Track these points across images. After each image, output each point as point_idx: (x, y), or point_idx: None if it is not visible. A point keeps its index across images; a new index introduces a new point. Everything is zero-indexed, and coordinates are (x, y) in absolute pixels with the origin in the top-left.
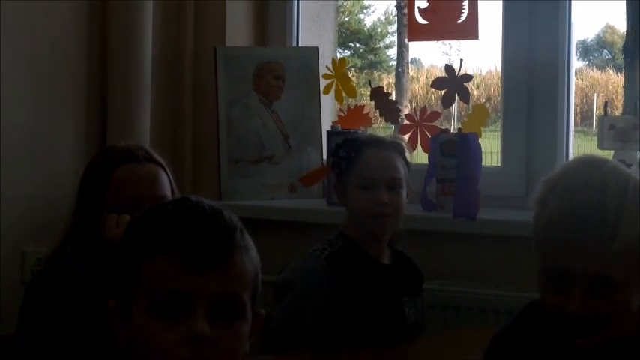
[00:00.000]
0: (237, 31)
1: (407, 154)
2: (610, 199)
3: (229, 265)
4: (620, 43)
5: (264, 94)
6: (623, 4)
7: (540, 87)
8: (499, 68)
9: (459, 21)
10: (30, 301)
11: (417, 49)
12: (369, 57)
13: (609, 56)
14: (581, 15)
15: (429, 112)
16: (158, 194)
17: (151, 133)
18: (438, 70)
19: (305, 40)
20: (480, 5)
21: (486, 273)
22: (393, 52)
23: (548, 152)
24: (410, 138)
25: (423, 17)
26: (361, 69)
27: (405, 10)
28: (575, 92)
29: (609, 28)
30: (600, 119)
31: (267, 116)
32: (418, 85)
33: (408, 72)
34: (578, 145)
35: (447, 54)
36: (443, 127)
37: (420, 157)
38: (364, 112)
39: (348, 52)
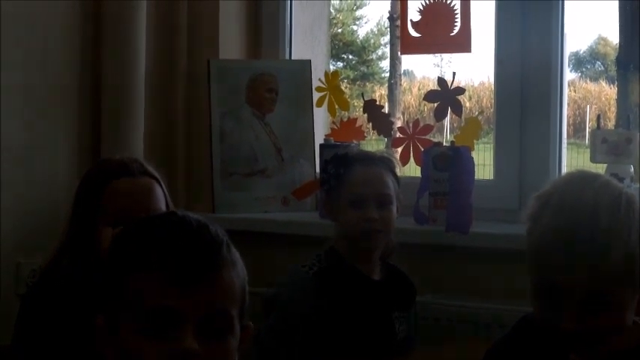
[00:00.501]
0: (231, 43)
1: (397, 169)
2: (602, 214)
3: (216, 281)
4: (613, 54)
5: (257, 107)
6: (616, 16)
7: (533, 99)
8: (492, 80)
9: (452, 34)
10: (25, 312)
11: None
12: (362, 68)
13: (602, 68)
14: (574, 27)
15: (421, 125)
16: (152, 207)
17: (144, 146)
18: (431, 81)
19: (298, 53)
20: (473, 17)
21: (479, 286)
22: (385, 64)
23: (540, 165)
24: (402, 151)
25: (415, 30)
26: (354, 80)
27: (398, 22)
28: (568, 104)
29: (602, 40)
30: (593, 132)
31: (260, 129)
32: (411, 96)
33: (401, 84)
34: (571, 157)
35: (439, 65)
36: (435, 140)
37: (412, 170)
38: (357, 125)
39: (340, 64)
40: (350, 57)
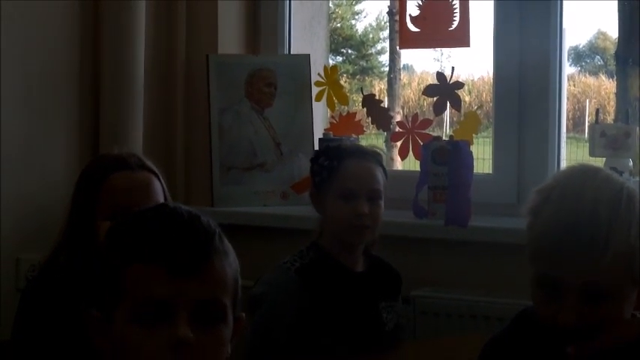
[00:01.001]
0: (230, 38)
1: (385, 164)
2: (603, 208)
3: (209, 270)
4: (612, 49)
5: (256, 102)
6: (616, 10)
7: (532, 93)
8: (491, 74)
9: (451, 28)
10: (25, 307)
11: (409, 56)
12: (361, 63)
13: (601, 62)
14: (574, 21)
15: (420, 119)
16: (151, 201)
17: (143, 141)
18: (430, 76)
19: (297, 47)
20: (472, 12)
21: (477, 280)
22: (384, 58)
23: (539, 159)
24: (401, 145)
25: (414, 25)
26: (353, 75)
27: (397, 17)
28: (568, 98)
29: (601, 34)
30: (592, 126)
31: (259, 123)
32: (410, 91)
33: (400, 78)
34: (570, 152)
35: (439, 60)
36: (435, 134)
37: (411, 164)
38: (356, 119)
39: (339, 58)
40: (349, 51)
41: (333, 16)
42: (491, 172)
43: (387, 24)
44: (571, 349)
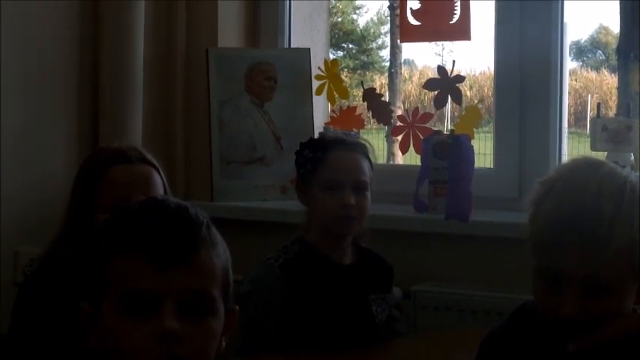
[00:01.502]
0: (229, 32)
1: (371, 155)
2: (606, 202)
3: (195, 261)
4: (614, 43)
5: (256, 95)
6: (617, 4)
7: (533, 88)
8: (492, 69)
9: (451, 22)
10: (23, 301)
11: (410, 50)
12: (362, 58)
13: (603, 57)
14: (575, 15)
15: (421, 113)
16: (151, 195)
17: (142, 134)
18: (431, 70)
19: (297, 41)
20: (473, 6)
21: (478, 274)
22: (385, 53)
23: (541, 154)
24: (402, 139)
25: (415, 18)
26: (354, 70)
27: (398, 11)
28: (569, 93)
29: (603, 29)
30: (593, 120)
31: (259, 117)
32: (411, 85)
33: (401, 73)
34: (572, 147)
35: (440, 55)
36: (436, 129)
37: (412, 158)
38: (356, 113)
39: (340, 53)
40: (350, 46)
41: (334, 10)
42: (492, 166)
43: (388, 18)
44: (572, 346)
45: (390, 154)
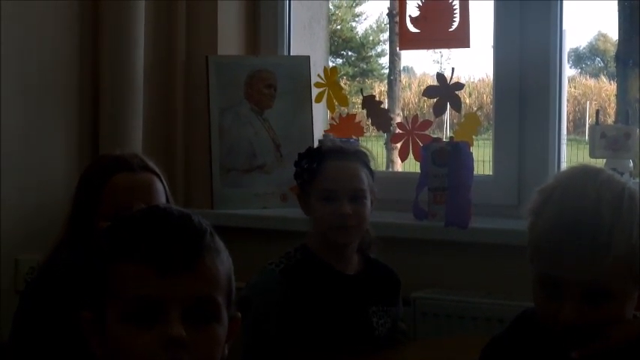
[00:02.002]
0: (229, 39)
1: (371, 163)
2: (605, 209)
3: (200, 267)
4: (612, 50)
5: (255, 103)
6: (616, 11)
7: (532, 95)
8: (491, 76)
9: (451, 29)
10: (24, 309)
11: (409, 57)
12: (361, 65)
13: (602, 64)
14: (574, 23)
15: (420, 120)
16: (153, 202)
17: (143, 142)
18: (430, 78)
19: (297, 49)
20: (472, 13)
21: (478, 281)
22: (385, 61)
23: (540, 161)
24: (401, 146)
25: (414, 25)
26: (353, 77)
27: (397, 19)
28: (568, 100)
29: (602, 36)
30: (592, 128)
31: (259, 125)
32: (410, 93)
33: (400, 80)
34: (571, 154)
35: (438, 62)
36: (435, 136)
37: (411, 165)
38: (356, 120)
39: (340, 61)
40: (349, 54)
41: (333, 18)
42: (491, 173)
43: (387, 26)
44: (574, 354)
45: (390, 162)
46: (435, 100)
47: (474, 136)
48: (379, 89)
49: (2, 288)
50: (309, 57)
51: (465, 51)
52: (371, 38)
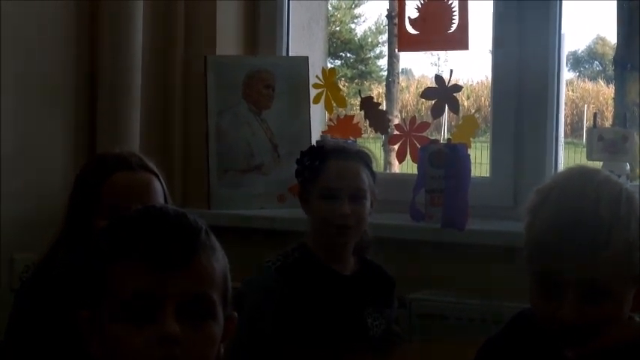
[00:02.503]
0: (228, 39)
1: (373, 164)
2: (604, 208)
3: (195, 264)
4: (611, 54)
5: (253, 103)
6: (614, 15)
7: (530, 98)
8: (490, 78)
9: (449, 31)
10: (19, 307)
11: (408, 60)
12: (360, 67)
13: (600, 68)
14: (573, 26)
15: (418, 122)
16: (151, 202)
17: (140, 142)
18: (429, 80)
19: (295, 50)
20: (471, 16)
21: (474, 283)
22: (383, 63)
23: (537, 163)
24: (399, 148)
25: (413, 27)
26: (352, 79)
27: (396, 20)
28: (566, 103)
29: (600, 40)
30: (589, 130)
31: (257, 125)
32: (408, 95)
33: (399, 82)
34: (568, 157)
35: (436, 65)
36: (433, 138)
37: (409, 167)
38: (354, 122)
39: (338, 62)
40: (348, 55)
41: (332, 19)
42: (488, 175)
43: (386, 27)
44: (569, 353)
45: (387, 164)
46: (433, 102)
47: (471, 139)
48: (377, 91)
49: None
50: (307, 58)
51: (464, 53)
52: (370, 40)
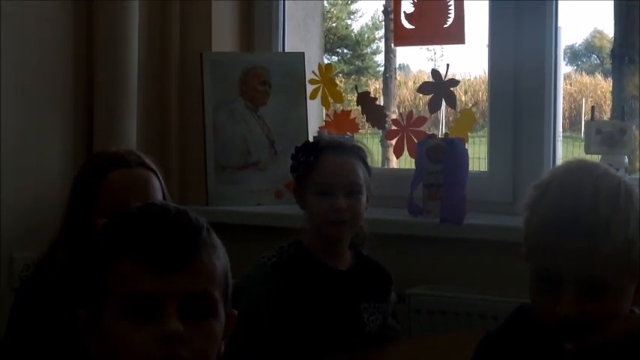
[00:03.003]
0: (223, 36)
1: (368, 159)
2: (602, 202)
3: (197, 263)
4: (608, 47)
5: (250, 100)
6: (612, 8)
7: (527, 92)
8: (487, 74)
9: (445, 25)
10: (19, 306)
11: (405, 55)
12: (357, 63)
13: (598, 61)
14: (570, 20)
15: (415, 117)
16: (150, 198)
17: (137, 139)
18: (426, 75)
19: (291, 46)
20: (467, 9)
21: (473, 278)
22: (380, 58)
23: (535, 157)
24: (396, 143)
25: (409, 22)
26: (348, 75)
27: (392, 16)
28: (564, 97)
29: (598, 33)
30: (587, 123)
31: (254, 122)
32: (406, 90)
33: (396, 78)
34: (567, 151)
35: (433, 60)
36: (430, 133)
37: (406, 162)
38: (351, 117)
39: (335, 58)
40: (344, 51)
41: (329, 15)
42: (486, 170)
43: (383, 23)
44: (568, 346)
45: (385, 159)
46: (430, 96)
47: (469, 134)
48: (374, 87)
49: None
50: (303, 54)
51: (461, 49)
52: (366, 36)
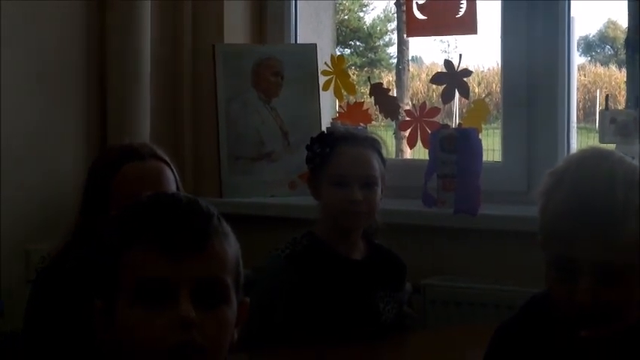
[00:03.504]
0: (236, 28)
1: (383, 150)
2: (619, 189)
3: (208, 249)
4: (622, 37)
5: (263, 91)
6: None
7: (541, 83)
8: (500, 64)
9: (458, 16)
10: (35, 298)
11: (418, 47)
12: (369, 55)
13: (612, 52)
14: (583, 11)
15: (428, 107)
16: (164, 190)
17: (150, 131)
18: (439, 67)
19: (303, 38)
20: (479, 0)
21: (487, 268)
22: (393, 50)
23: (549, 148)
24: (410, 134)
25: (421, 13)
26: (361, 67)
27: (404, 7)
28: (578, 88)
29: (612, 24)
30: (601, 113)
31: (267, 113)
32: (419, 82)
33: (409, 69)
34: (581, 141)
35: (446, 51)
36: (444, 124)
37: (420, 152)
38: (364, 108)
39: (347, 51)
40: (357, 44)
41: (341, 8)
42: (500, 160)
43: (395, 15)
44: (584, 332)
45: (399, 151)
46: (443, 87)
47: (483, 125)
48: (387, 79)
49: (14, 278)
50: (315, 45)
51: (474, 40)
52: (378, 28)
